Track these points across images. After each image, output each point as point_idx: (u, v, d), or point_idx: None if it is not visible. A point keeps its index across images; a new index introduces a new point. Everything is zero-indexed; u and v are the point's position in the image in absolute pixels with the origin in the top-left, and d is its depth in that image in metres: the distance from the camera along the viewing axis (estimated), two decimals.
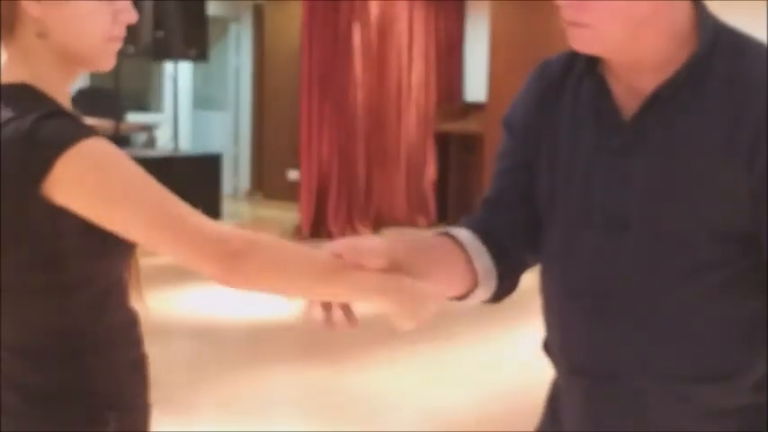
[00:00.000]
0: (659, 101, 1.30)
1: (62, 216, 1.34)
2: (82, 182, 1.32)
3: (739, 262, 1.30)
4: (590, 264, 1.35)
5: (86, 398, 1.42)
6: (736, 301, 1.31)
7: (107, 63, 1.46)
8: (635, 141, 1.32)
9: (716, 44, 1.30)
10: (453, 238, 1.40)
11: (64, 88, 1.46)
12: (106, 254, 1.43)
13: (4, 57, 1.49)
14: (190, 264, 1.31)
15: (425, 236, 1.42)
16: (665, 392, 1.33)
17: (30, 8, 1.40)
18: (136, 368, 1.51)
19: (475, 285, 1.39)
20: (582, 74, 1.39)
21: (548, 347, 1.48)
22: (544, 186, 1.42)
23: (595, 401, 1.38)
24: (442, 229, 1.44)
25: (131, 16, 1.46)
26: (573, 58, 1.40)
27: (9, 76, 1.42)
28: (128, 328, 1.50)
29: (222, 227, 1.33)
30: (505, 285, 1.45)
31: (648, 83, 1.31)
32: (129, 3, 1.46)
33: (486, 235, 1.42)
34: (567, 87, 1.41)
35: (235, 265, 1.27)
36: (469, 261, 1.38)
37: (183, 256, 1.31)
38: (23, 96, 1.39)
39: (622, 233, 1.32)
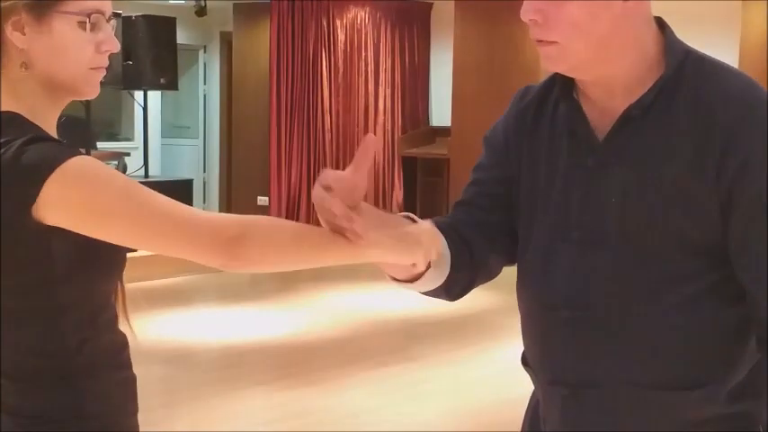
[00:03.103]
0: (630, 120, 1.35)
1: (53, 238, 1.35)
2: (71, 200, 1.33)
3: (710, 274, 1.33)
4: (567, 278, 1.39)
5: (78, 420, 1.43)
6: (707, 313, 1.34)
7: (91, 92, 1.48)
8: (608, 160, 1.36)
9: (684, 67, 1.35)
10: (414, 220, 1.42)
11: (51, 117, 1.48)
12: (95, 275, 1.44)
13: None
14: (192, 258, 1.33)
15: (388, 217, 1.41)
16: (641, 401, 1.36)
17: (15, 39, 1.42)
18: (126, 390, 1.51)
19: (427, 267, 1.39)
20: (558, 98, 1.44)
21: (526, 360, 1.51)
22: (523, 204, 1.46)
23: (574, 410, 1.41)
24: (405, 213, 1.45)
25: (113, 46, 1.47)
26: (551, 84, 1.46)
27: None
28: (117, 351, 1.50)
29: (214, 215, 1.35)
30: (460, 278, 1.46)
31: (620, 104, 1.36)
32: (111, 33, 1.47)
33: (450, 228, 1.45)
34: (546, 111, 1.46)
35: (235, 252, 1.29)
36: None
37: (184, 252, 1.33)
38: (10, 125, 1.40)
39: (597, 248, 1.37)
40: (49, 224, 1.34)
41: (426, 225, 1.37)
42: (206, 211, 1.38)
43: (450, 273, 1.44)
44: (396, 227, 1.35)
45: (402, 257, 1.33)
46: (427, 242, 1.34)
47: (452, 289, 1.48)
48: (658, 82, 1.36)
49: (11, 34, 1.42)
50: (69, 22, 1.43)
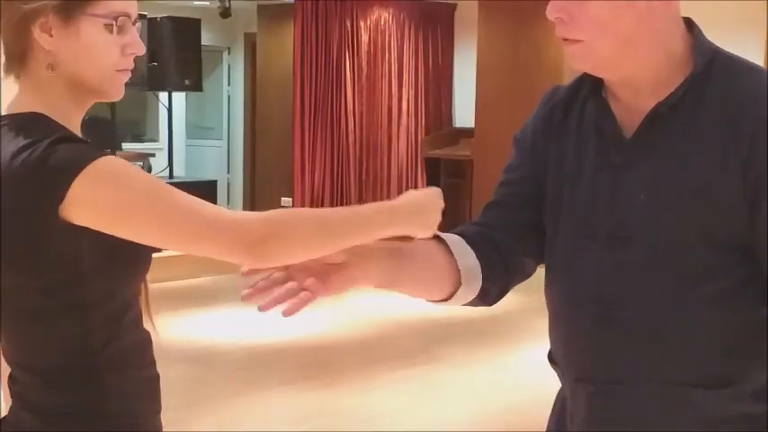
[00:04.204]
0: (658, 118, 1.36)
1: (80, 237, 1.36)
2: (98, 200, 1.34)
3: (738, 271, 1.34)
4: (594, 275, 1.40)
5: (101, 418, 1.44)
6: (735, 310, 1.34)
7: (116, 93, 1.49)
8: (636, 157, 1.37)
9: (712, 66, 1.36)
10: (439, 239, 1.45)
11: (76, 118, 1.49)
12: (121, 274, 1.45)
13: (4, 87, 1.55)
14: (218, 257, 1.34)
15: (411, 244, 1.44)
16: (667, 399, 1.36)
17: (42, 41, 1.43)
18: (149, 388, 1.52)
19: (459, 284, 1.45)
20: (587, 97, 1.45)
21: (552, 358, 1.52)
22: (550, 203, 1.47)
23: (600, 407, 1.42)
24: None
25: (139, 48, 1.48)
26: (580, 84, 1.47)
27: (21, 106, 1.45)
28: (142, 349, 1.51)
29: (240, 214, 1.35)
30: (492, 287, 1.49)
31: (647, 102, 1.37)
32: (136, 35, 1.48)
33: (479, 235, 1.48)
34: (574, 110, 1.47)
35: (261, 251, 1.31)
36: (453, 261, 1.44)
37: (210, 251, 1.34)
38: (36, 125, 1.41)
39: (625, 245, 1.37)
40: (77, 224, 1.35)
41: (432, 190, 1.43)
42: (231, 211, 1.39)
43: (483, 283, 1.47)
44: (403, 275, 1.42)
45: (417, 228, 1.39)
46: (434, 196, 1.41)
47: (488, 297, 1.51)
48: (686, 80, 1.36)
49: (38, 36, 1.43)
50: (96, 24, 1.44)
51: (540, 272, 1.53)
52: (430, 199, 1.42)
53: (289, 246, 1.32)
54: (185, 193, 1.37)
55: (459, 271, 1.45)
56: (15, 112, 1.45)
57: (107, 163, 1.36)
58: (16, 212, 1.37)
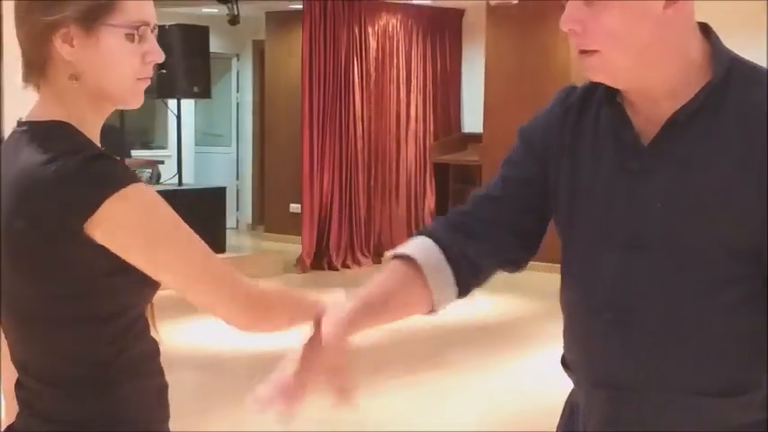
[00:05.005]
0: (676, 126, 1.36)
1: (99, 254, 1.37)
2: (126, 224, 1.36)
3: (756, 278, 1.34)
4: (611, 281, 1.40)
5: (114, 426, 1.45)
6: (753, 317, 1.35)
7: (137, 101, 1.50)
8: (654, 164, 1.38)
9: (730, 74, 1.36)
10: (409, 263, 1.49)
11: (96, 126, 1.50)
12: (134, 292, 1.46)
13: (17, 94, 1.56)
14: (218, 314, 1.44)
15: (382, 284, 1.50)
16: (683, 405, 1.37)
17: (64, 52, 1.43)
18: (159, 397, 1.53)
19: (434, 301, 1.50)
20: (601, 102, 1.45)
21: (566, 363, 1.52)
22: (564, 208, 1.47)
23: (616, 413, 1.42)
24: (400, 252, 1.52)
25: (159, 56, 1.49)
26: (594, 87, 1.46)
27: (43, 115, 1.46)
28: (150, 359, 1.52)
29: (252, 282, 1.46)
30: (468, 282, 1.53)
31: (664, 110, 1.37)
32: (155, 43, 1.49)
33: (456, 231, 1.51)
34: (589, 114, 1.47)
35: (263, 318, 1.47)
36: (425, 284, 1.48)
37: (217, 308, 1.44)
38: (61, 134, 1.42)
39: (642, 252, 1.37)
40: (98, 243, 1.37)
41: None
42: (243, 277, 1.47)
43: (457, 289, 1.51)
44: (380, 318, 1.49)
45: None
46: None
47: (466, 292, 1.54)
48: (705, 88, 1.36)
49: (60, 47, 1.43)
50: (117, 34, 1.44)
51: (550, 278, 1.53)
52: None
53: (278, 316, 1.49)
54: (205, 244, 1.45)
55: (431, 291, 1.49)
56: (36, 120, 1.46)
57: (141, 190, 1.39)
58: (40, 220, 1.38)
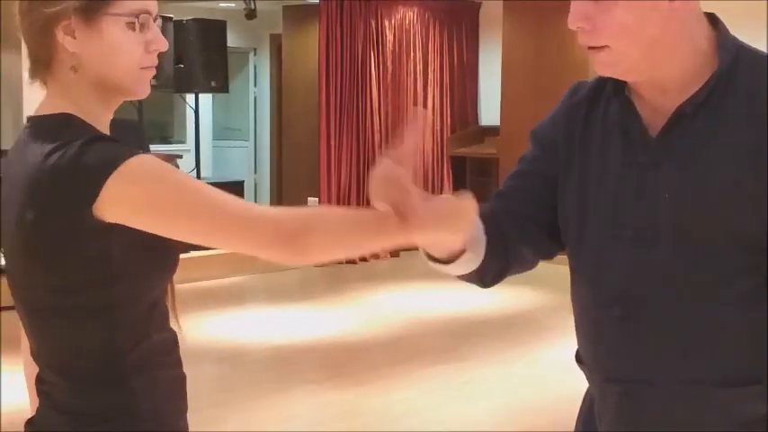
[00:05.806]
0: (684, 117, 1.36)
1: (111, 237, 1.37)
2: (131, 196, 1.35)
3: (765, 270, 1.34)
4: (621, 275, 1.40)
5: (129, 418, 1.44)
6: (764, 309, 1.35)
7: (143, 91, 1.49)
8: (662, 156, 1.37)
9: (737, 62, 1.36)
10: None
11: (104, 118, 1.49)
12: (150, 275, 1.46)
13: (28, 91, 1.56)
14: (252, 253, 1.35)
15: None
16: (696, 398, 1.37)
17: (66, 43, 1.43)
18: (176, 388, 1.53)
19: (463, 249, 1.41)
20: (610, 95, 1.45)
21: (580, 358, 1.53)
22: (573, 202, 1.47)
23: (629, 407, 1.42)
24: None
25: (162, 44, 1.48)
26: (603, 81, 1.47)
27: (50, 109, 1.46)
28: (169, 349, 1.52)
29: (271, 210, 1.38)
30: (493, 265, 1.46)
31: (672, 101, 1.37)
32: (158, 32, 1.48)
33: (487, 216, 1.46)
34: (598, 108, 1.47)
35: (296, 247, 1.32)
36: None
37: (243, 247, 1.36)
38: (66, 125, 1.42)
39: (652, 245, 1.37)
40: (109, 221, 1.36)
41: (468, 198, 1.33)
42: (262, 206, 1.40)
43: (484, 258, 1.44)
44: (442, 202, 1.32)
45: (451, 233, 1.33)
46: (471, 213, 1.32)
47: (486, 275, 1.49)
48: (711, 78, 1.36)
49: (62, 39, 1.43)
50: (118, 23, 1.44)
51: (565, 270, 1.53)
52: (461, 203, 1.36)
53: (322, 242, 1.33)
54: (217, 189, 1.39)
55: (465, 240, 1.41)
56: (44, 113, 1.47)
57: (140, 161, 1.37)
58: (49, 211, 1.38)
